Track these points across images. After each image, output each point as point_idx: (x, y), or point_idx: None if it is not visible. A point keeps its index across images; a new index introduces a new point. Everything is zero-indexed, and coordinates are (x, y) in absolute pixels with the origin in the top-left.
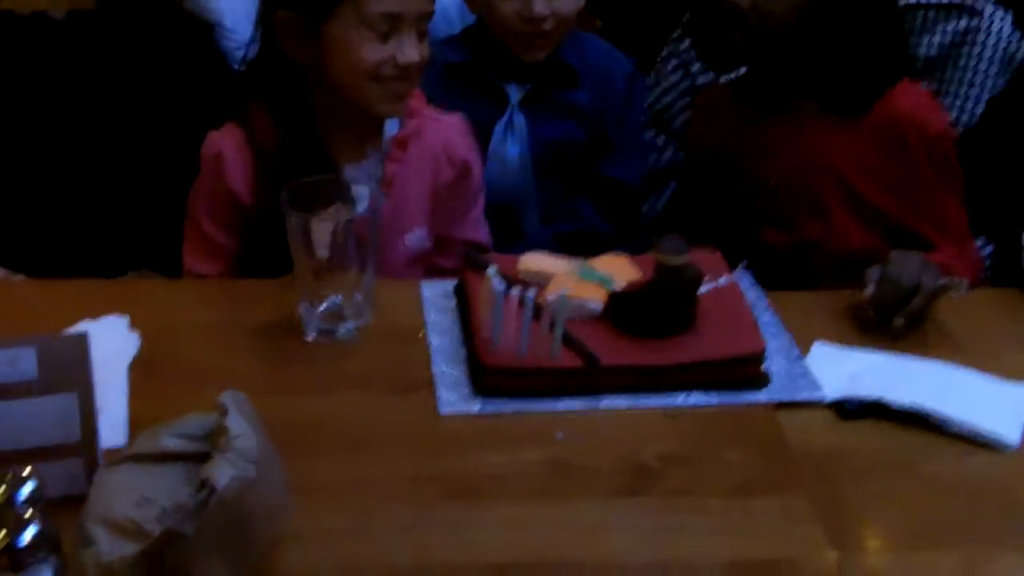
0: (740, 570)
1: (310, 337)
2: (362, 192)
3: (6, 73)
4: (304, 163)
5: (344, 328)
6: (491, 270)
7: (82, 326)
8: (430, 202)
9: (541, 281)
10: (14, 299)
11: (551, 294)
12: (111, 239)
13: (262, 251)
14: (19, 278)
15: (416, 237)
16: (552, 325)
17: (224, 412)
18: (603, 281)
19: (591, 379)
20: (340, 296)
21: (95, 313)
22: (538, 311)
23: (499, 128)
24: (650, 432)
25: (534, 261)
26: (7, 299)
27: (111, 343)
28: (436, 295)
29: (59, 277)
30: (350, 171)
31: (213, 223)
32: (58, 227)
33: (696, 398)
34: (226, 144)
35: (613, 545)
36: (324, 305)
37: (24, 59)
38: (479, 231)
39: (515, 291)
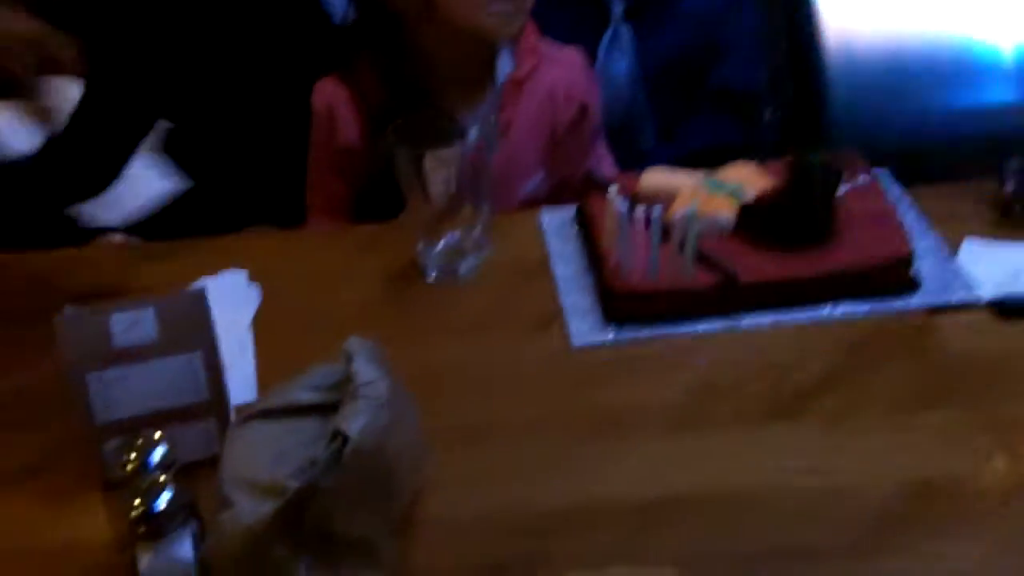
0: (908, 490)
1: (431, 278)
2: (472, 125)
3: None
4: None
5: (465, 265)
6: (612, 191)
7: (201, 283)
8: (548, 145)
9: (667, 199)
10: (131, 263)
11: (678, 211)
12: (222, 197)
13: (380, 202)
14: (134, 241)
15: (534, 184)
16: (682, 244)
17: (350, 359)
18: (733, 192)
19: (729, 298)
20: (458, 233)
21: (213, 270)
22: (666, 230)
23: (603, 45)
24: (799, 349)
25: (657, 178)
26: (124, 263)
27: (232, 298)
28: (557, 223)
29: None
30: (463, 120)
31: (332, 177)
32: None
33: (844, 309)
34: (336, 96)
35: (769, 473)
36: (442, 244)
37: (124, 15)
38: (603, 167)
39: (640, 211)
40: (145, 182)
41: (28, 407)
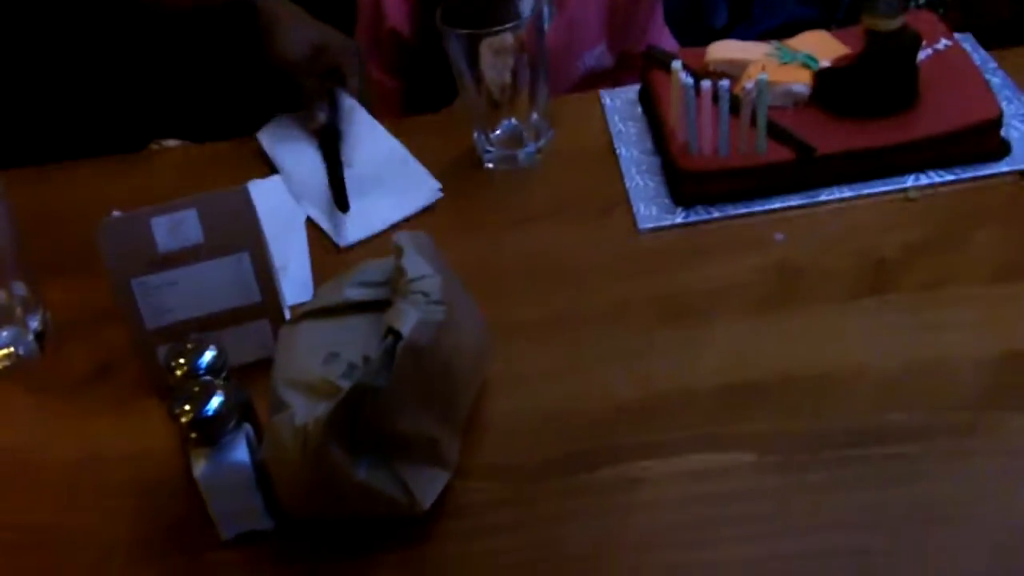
0: (1009, 363)
1: (490, 167)
2: (526, 3)
3: None
4: None
5: (525, 153)
6: (676, 64)
7: (253, 184)
8: (608, 14)
9: (734, 71)
10: (184, 167)
11: (748, 82)
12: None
13: (431, 96)
14: (187, 145)
15: (594, 56)
16: (754, 117)
17: (400, 253)
18: (806, 61)
19: (806, 172)
20: (515, 119)
21: (262, 170)
22: (735, 103)
23: None
24: (884, 222)
25: (724, 49)
26: (171, 166)
27: (284, 198)
28: (620, 103)
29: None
30: None
31: (381, 68)
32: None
33: (929, 178)
34: None
35: (859, 353)
36: (500, 130)
37: None
38: (663, 38)
39: (706, 84)
40: None
41: (85, 317)
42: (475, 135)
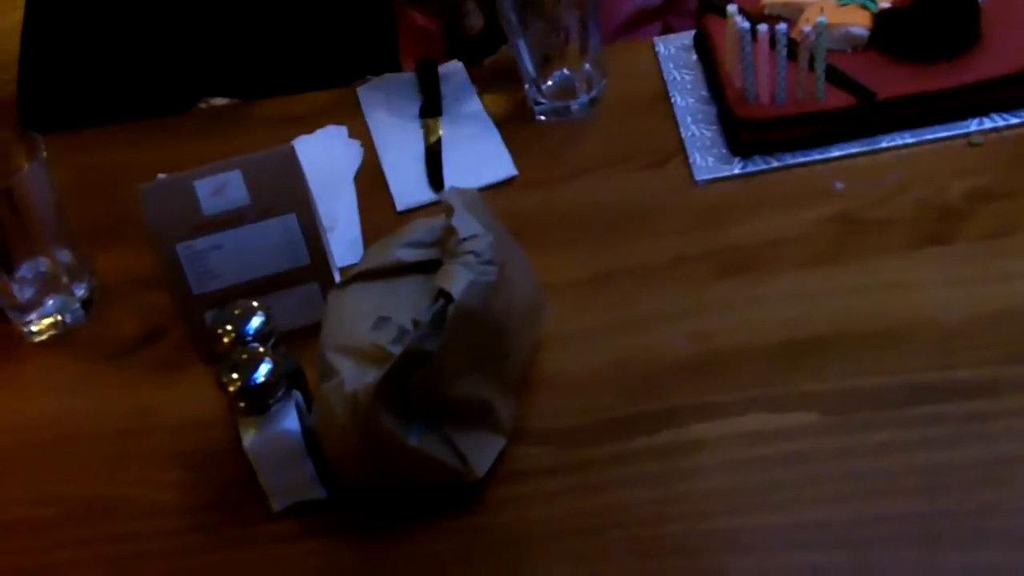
0: None
1: (541, 120)
2: None
3: None
4: None
5: (577, 104)
6: (732, 8)
7: (299, 142)
8: None
9: (791, 15)
10: (231, 125)
11: (806, 26)
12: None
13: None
14: (236, 102)
15: None
16: (812, 62)
17: (450, 212)
18: (865, 2)
19: (866, 118)
20: (566, 69)
21: (309, 128)
22: (793, 48)
23: None
24: (948, 168)
25: None
26: (218, 126)
27: (332, 156)
28: (674, 50)
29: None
30: None
31: (422, 13)
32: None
33: (993, 121)
34: None
35: (924, 304)
36: (551, 81)
37: None
38: None
39: (763, 28)
40: None
41: (132, 282)
42: (526, 87)
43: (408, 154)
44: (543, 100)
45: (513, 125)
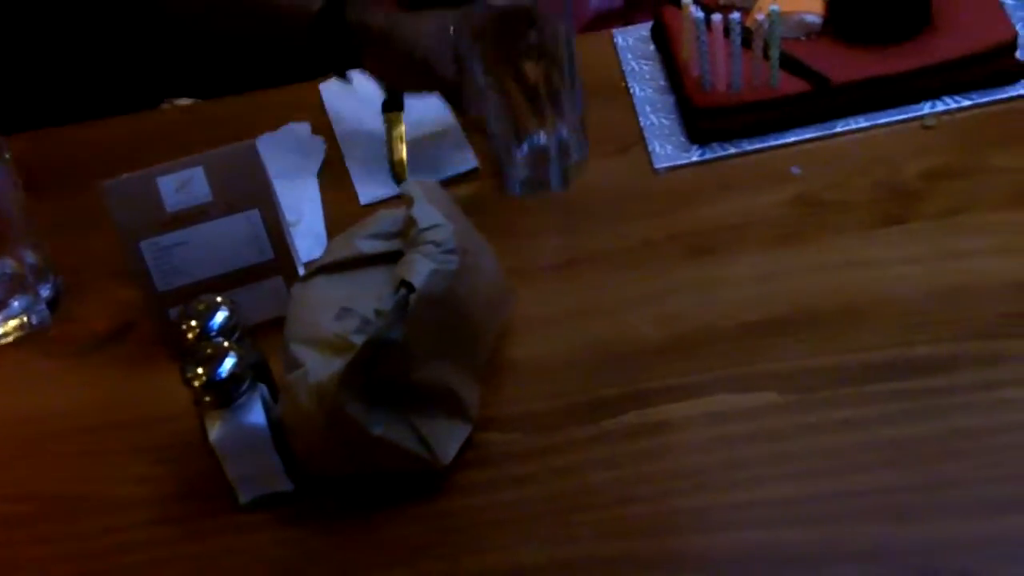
0: None
1: (517, 191)
2: None
3: None
4: None
5: (555, 174)
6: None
7: (262, 140)
8: None
9: (746, 4)
10: (195, 125)
11: (759, 14)
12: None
13: None
14: (199, 103)
15: None
16: (766, 49)
17: (411, 203)
18: None
19: (821, 103)
20: (543, 135)
21: (273, 125)
22: (747, 36)
23: None
24: (902, 150)
25: None
26: (183, 124)
27: (295, 152)
28: (632, 41)
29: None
30: None
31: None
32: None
33: (946, 104)
34: None
35: (882, 283)
36: (526, 148)
37: None
38: None
39: (717, 18)
40: None
41: (99, 279)
42: (498, 155)
43: (371, 148)
44: (517, 170)
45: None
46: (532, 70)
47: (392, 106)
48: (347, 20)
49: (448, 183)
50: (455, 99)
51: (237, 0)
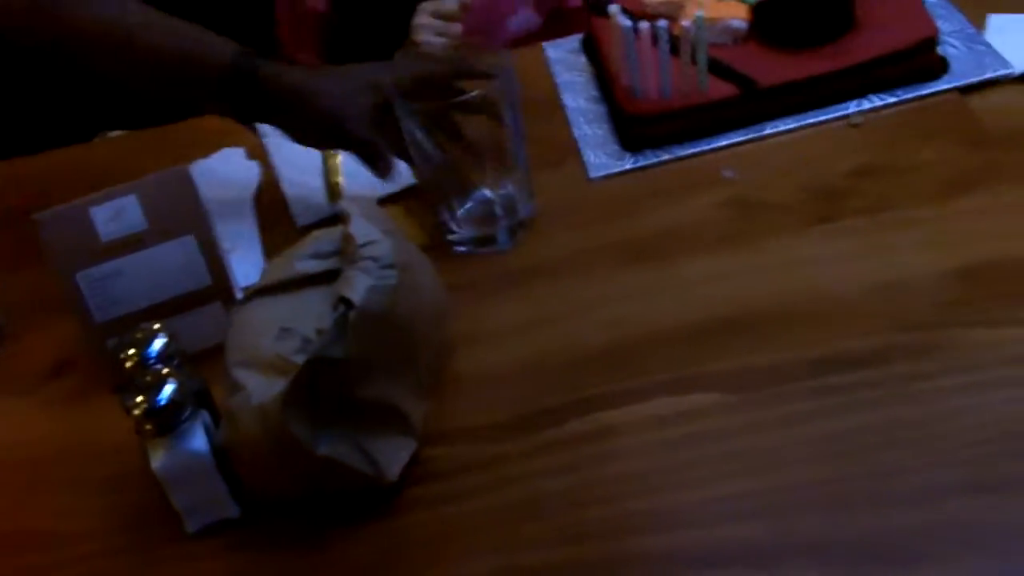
0: (967, 277)
1: (460, 249)
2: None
3: None
4: None
5: (501, 231)
6: (613, 8)
7: (197, 166)
8: None
9: (673, 12)
10: (129, 155)
11: (685, 21)
12: None
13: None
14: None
15: (521, 19)
16: (694, 55)
17: (347, 221)
18: None
19: (750, 106)
20: (486, 191)
21: (206, 151)
22: (675, 43)
23: None
24: (830, 150)
25: None
26: (123, 156)
27: (231, 177)
28: (563, 54)
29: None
30: None
31: (304, 49)
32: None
33: (871, 102)
34: None
35: (816, 281)
36: (469, 204)
37: None
38: None
39: (645, 26)
40: None
41: (39, 313)
42: (440, 215)
43: (307, 170)
44: (459, 229)
45: None
46: (474, 124)
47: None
48: (258, 76)
49: (388, 201)
50: (370, 157)
51: (156, 58)
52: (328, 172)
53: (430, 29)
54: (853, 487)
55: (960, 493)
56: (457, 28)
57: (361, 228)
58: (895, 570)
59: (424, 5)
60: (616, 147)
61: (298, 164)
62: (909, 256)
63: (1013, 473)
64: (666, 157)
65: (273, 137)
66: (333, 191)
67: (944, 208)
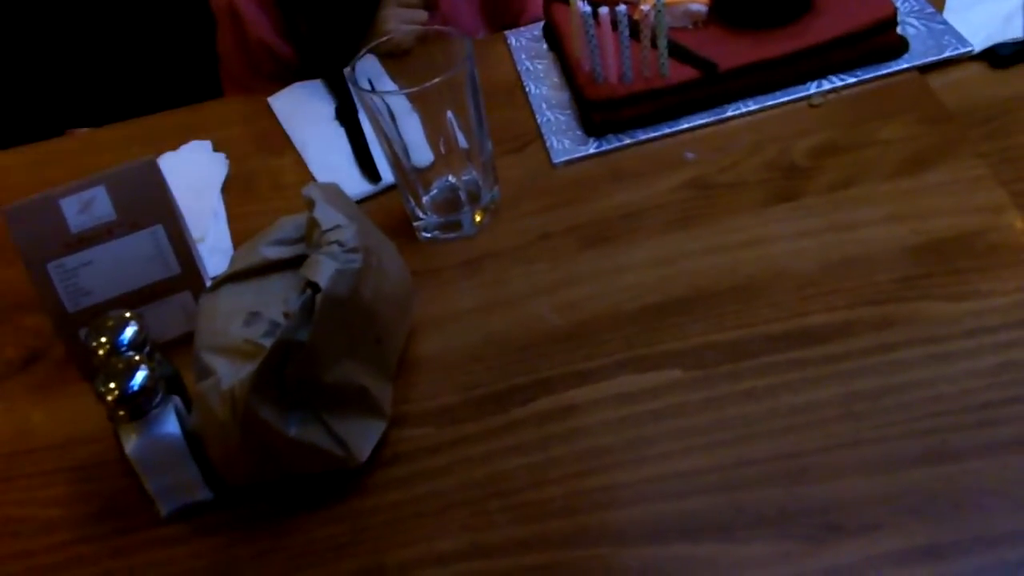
0: (925, 253)
1: (425, 235)
2: None
3: None
4: None
5: (466, 217)
6: None
7: (164, 159)
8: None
9: None
10: (96, 150)
11: (644, 5)
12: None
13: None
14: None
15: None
16: (654, 39)
17: (312, 206)
18: None
19: (711, 89)
20: (450, 176)
21: (174, 145)
22: (635, 28)
23: None
24: (791, 130)
25: None
26: (91, 152)
27: (198, 169)
28: (525, 42)
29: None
30: None
31: (254, 78)
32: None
33: (831, 83)
34: None
35: (777, 258)
36: (435, 190)
37: None
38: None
39: (604, 11)
40: None
41: (7, 305)
42: (406, 202)
43: (333, 153)
44: (424, 215)
45: None
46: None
47: (346, 112)
48: None
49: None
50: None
51: None
52: (359, 152)
53: (397, 18)
54: (810, 460)
55: (918, 463)
56: (423, 15)
57: (326, 213)
58: (854, 539)
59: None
60: (579, 133)
61: (323, 148)
62: (868, 232)
63: (970, 443)
64: (628, 141)
65: (293, 124)
66: (369, 170)
67: (901, 183)
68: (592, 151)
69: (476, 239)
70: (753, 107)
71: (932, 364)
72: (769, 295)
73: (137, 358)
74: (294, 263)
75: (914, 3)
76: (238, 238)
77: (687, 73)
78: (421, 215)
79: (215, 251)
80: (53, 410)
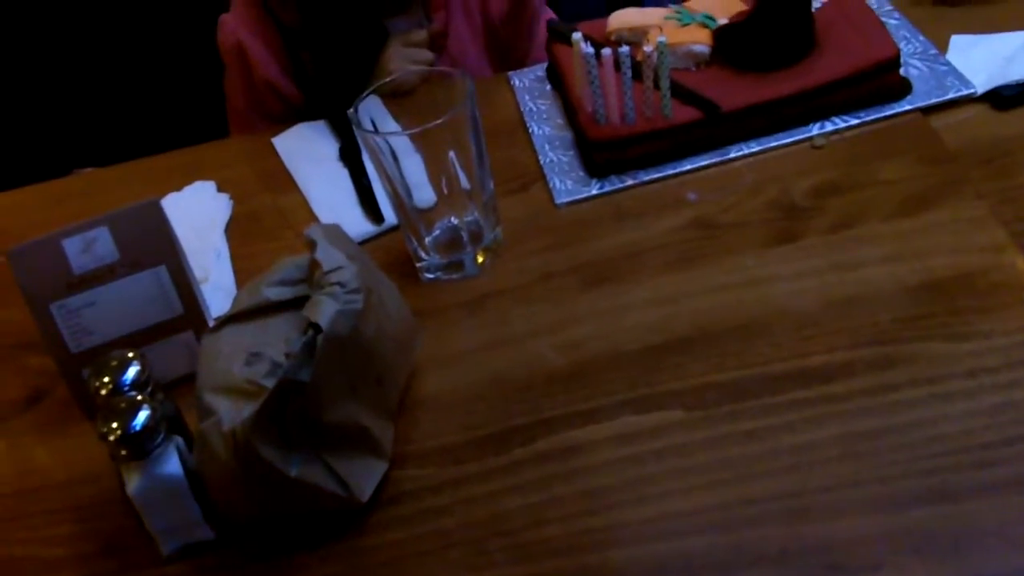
0: (926, 293)
1: (428, 276)
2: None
3: None
4: (339, 30)
5: (468, 257)
6: (576, 35)
7: (168, 200)
8: (486, 40)
9: (636, 38)
10: (101, 190)
11: (647, 46)
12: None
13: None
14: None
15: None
16: (656, 80)
17: (313, 247)
18: (705, 20)
19: (713, 130)
20: (452, 218)
21: (179, 185)
22: (638, 69)
23: None
24: (793, 170)
25: (624, 17)
26: (96, 191)
27: (202, 209)
28: (528, 82)
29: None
30: (393, 25)
31: (259, 118)
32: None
33: (834, 124)
34: (243, 30)
35: (777, 298)
36: (437, 231)
37: None
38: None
39: (607, 52)
40: None
41: (10, 346)
42: (408, 242)
43: (337, 193)
44: (427, 255)
45: None
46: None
47: (350, 153)
48: None
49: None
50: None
51: None
52: (362, 193)
53: (401, 57)
54: (812, 499)
55: (919, 503)
56: (427, 55)
57: (327, 254)
58: None
59: (395, 36)
60: (582, 173)
61: (327, 188)
62: (869, 272)
63: (971, 483)
64: (631, 182)
65: (296, 164)
66: (372, 211)
67: (902, 224)
68: (595, 192)
69: (478, 279)
70: (756, 148)
71: (933, 404)
72: (770, 335)
73: (139, 398)
74: (296, 304)
75: (917, 44)
76: (242, 277)
77: (690, 114)
78: (424, 256)
79: (218, 291)
80: (57, 449)
